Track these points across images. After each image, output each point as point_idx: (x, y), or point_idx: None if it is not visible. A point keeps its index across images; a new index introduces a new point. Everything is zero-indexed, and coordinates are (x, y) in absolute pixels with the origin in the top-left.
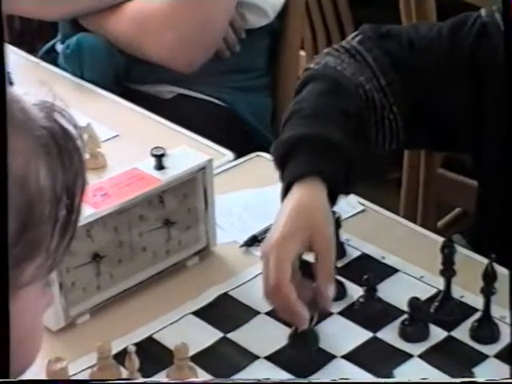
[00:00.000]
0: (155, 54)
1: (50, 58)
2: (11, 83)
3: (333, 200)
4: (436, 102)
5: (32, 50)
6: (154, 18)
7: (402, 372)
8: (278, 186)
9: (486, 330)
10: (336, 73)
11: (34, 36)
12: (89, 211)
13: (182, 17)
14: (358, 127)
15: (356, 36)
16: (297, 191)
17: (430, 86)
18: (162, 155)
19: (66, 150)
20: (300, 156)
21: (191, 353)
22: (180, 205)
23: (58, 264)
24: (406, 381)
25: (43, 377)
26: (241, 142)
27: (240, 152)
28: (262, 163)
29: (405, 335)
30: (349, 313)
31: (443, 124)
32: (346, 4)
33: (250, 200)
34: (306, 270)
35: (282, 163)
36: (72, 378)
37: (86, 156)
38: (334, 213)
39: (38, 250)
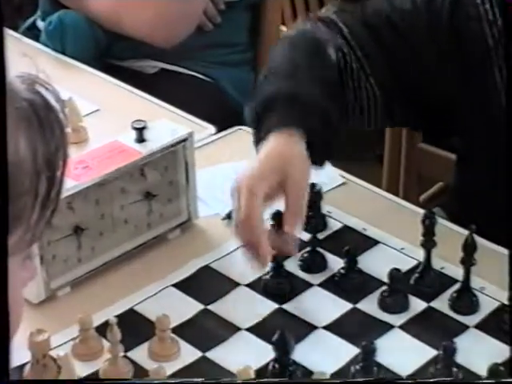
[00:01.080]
0: (135, 30)
1: (32, 34)
2: None
3: (312, 158)
4: (416, 76)
5: (13, 27)
6: None
7: (383, 342)
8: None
9: (466, 300)
10: (313, 35)
11: (14, 13)
12: (70, 183)
13: None
14: (335, 87)
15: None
16: (273, 140)
17: (409, 60)
18: (143, 128)
19: (47, 122)
20: (277, 111)
21: (172, 325)
22: (161, 178)
23: (38, 237)
24: (406, 381)
25: (26, 348)
26: (223, 116)
27: (223, 126)
28: (244, 136)
29: (385, 306)
30: (329, 284)
31: (425, 100)
32: None
33: (232, 173)
34: (278, 221)
35: (258, 119)
36: (72, 378)
37: (68, 130)
38: (314, 185)
39: (18, 223)
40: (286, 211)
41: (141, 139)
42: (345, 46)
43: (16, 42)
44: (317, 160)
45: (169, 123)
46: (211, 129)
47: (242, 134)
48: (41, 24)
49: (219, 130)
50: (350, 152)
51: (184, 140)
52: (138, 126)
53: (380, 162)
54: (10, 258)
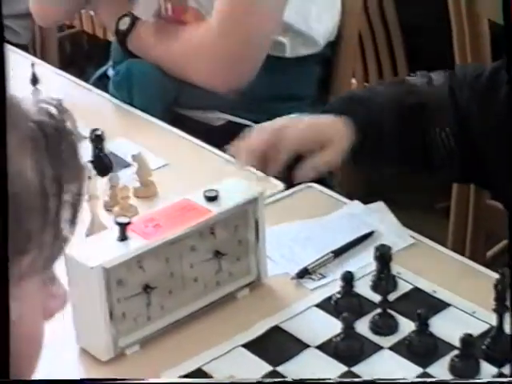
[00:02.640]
0: (196, 76)
1: (103, 84)
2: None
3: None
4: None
5: (82, 73)
6: (196, 43)
7: None
8: (329, 218)
9: None
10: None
11: (83, 59)
12: (140, 242)
13: (222, 39)
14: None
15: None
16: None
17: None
18: (215, 198)
19: (55, 144)
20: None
21: None
22: (231, 236)
23: (56, 258)
24: (406, 381)
25: None
26: (289, 167)
27: (288, 178)
28: (313, 194)
29: (456, 371)
30: (400, 347)
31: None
32: (399, 33)
33: (301, 231)
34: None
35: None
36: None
37: (137, 185)
38: (384, 246)
39: (29, 243)
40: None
41: (211, 198)
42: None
43: (85, 94)
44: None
45: (239, 182)
46: (280, 185)
47: (311, 192)
48: (111, 74)
49: (285, 185)
50: (415, 202)
51: (255, 199)
52: (209, 195)
53: (446, 214)
54: (26, 280)
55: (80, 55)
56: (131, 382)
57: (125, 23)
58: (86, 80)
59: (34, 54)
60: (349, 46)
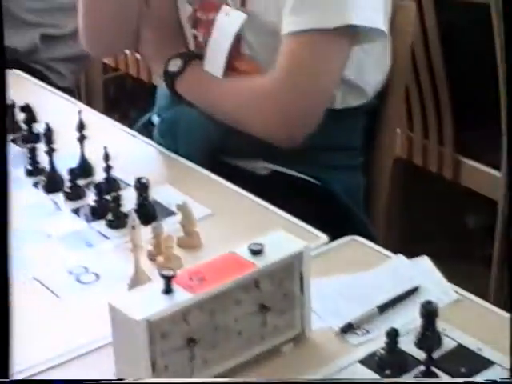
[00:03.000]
0: (258, 129)
1: (147, 130)
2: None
3: None
4: None
5: (125, 117)
6: (257, 94)
7: None
8: (374, 272)
9: None
10: None
11: (127, 101)
12: (185, 295)
13: (285, 94)
14: None
15: None
16: None
17: None
18: (259, 251)
19: None
20: None
21: None
22: (276, 289)
23: None
24: (406, 381)
25: None
26: (334, 221)
27: (333, 231)
28: (357, 247)
29: None
30: None
31: None
32: (446, 86)
33: (345, 285)
34: None
35: None
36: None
37: (181, 234)
38: (430, 302)
39: None
40: None
41: (257, 252)
42: None
43: (131, 139)
44: None
45: (284, 235)
46: (324, 238)
47: (356, 245)
48: (156, 120)
49: (330, 237)
50: (455, 250)
51: (300, 253)
52: (255, 249)
53: (488, 263)
54: None
55: (124, 98)
56: (131, 382)
57: (175, 65)
58: (130, 123)
59: (79, 97)
60: (396, 96)
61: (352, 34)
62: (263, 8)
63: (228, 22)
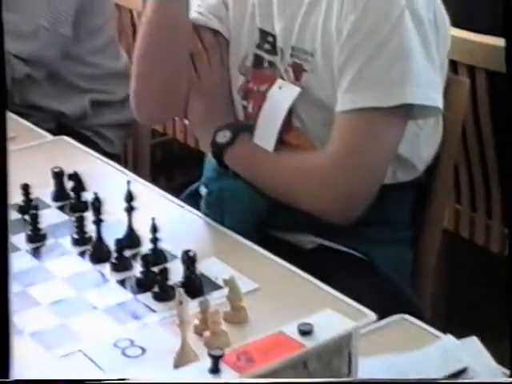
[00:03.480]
0: (312, 206)
1: (194, 201)
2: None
3: None
4: None
5: (171, 180)
6: (311, 171)
7: None
8: (422, 352)
9: None
10: None
11: (174, 166)
12: (233, 375)
13: (341, 172)
14: None
15: None
16: None
17: None
18: (309, 332)
19: None
20: None
21: None
22: (323, 369)
23: None
24: (406, 381)
25: None
26: (381, 297)
27: (380, 307)
28: (407, 326)
29: None
30: None
31: None
32: (495, 162)
33: (393, 365)
34: None
35: None
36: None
37: (228, 309)
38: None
39: None
40: None
41: (306, 332)
42: None
43: (178, 209)
44: None
45: (333, 314)
46: (372, 316)
47: (405, 324)
48: (203, 191)
49: (377, 313)
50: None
51: (349, 333)
52: (303, 329)
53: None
54: None
55: (171, 162)
56: (131, 381)
57: (224, 136)
58: (177, 189)
59: (125, 161)
60: (446, 171)
61: (408, 111)
62: (317, 83)
63: (281, 95)
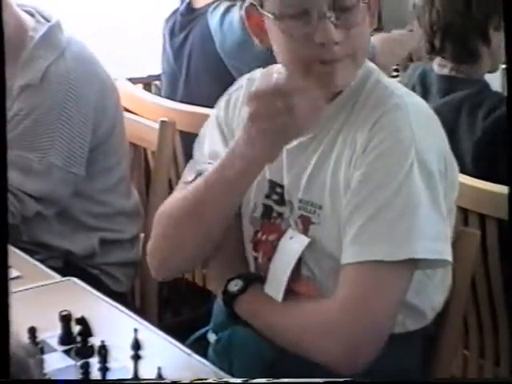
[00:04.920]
0: (320, 357)
1: (200, 346)
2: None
3: None
4: None
5: (177, 315)
6: (319, 324)
7: None
8: None
9: None
10: None
11: (180, 301)
12: None
13: (348, 322)
14: None
15: None
16: None
17: None
18: None
19: None
20: None
21: None
22: None
23: None
24: (405, 381)
25: None
26: None
27: None
28: None
29: None
30: None
31: None
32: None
33: None
34: None
35: None
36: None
37: None
38: None
39: None
40: None
41: None
42: None
43: (184, 357)
44: None
45: None
46: None
47: None
48: (212, 338)
49: None
50: None
51: None
52: None
53: None
54: None
55: (178, 298)
56: (131, 381)
57: (236, 285)
58: (184, 324)
59: (133, 299)
60: (455, 323)
61: (415, 263)
62: (325, 235)
63: (291, 245)
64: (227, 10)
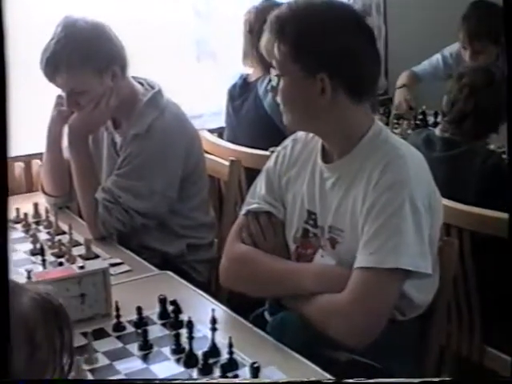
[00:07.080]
0: (337, 334)
1: (260, 322)
2: (232, 345)
3: None
4: None
5: (243, 298)
6: (334, 311)
7: None
8: None
9: None
10: None
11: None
12: None
13: (355, 313)
14: None
15: None
16: None
17: None
18: None
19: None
20: None
21: None
22: None
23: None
24: (405, 381)
25: None
26: None
27: None
28: None
29: None
30: None
31: None
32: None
33: None
34: None
35: None
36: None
37: None
38: None
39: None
40: None
41: None
42: None
43: (246, 329)
44: None
45: None
46: None
47: None
48: (268, 317)
49: None
50: None
51: None
52: None
53: None
54: None
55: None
56: (131, 381)
57: None
58: (250, 305)
59: (210, 287)
60: (441, 311)
61: (403, 273)
62: (346, 250)
63: (323, 261)
64: (270, 80)
